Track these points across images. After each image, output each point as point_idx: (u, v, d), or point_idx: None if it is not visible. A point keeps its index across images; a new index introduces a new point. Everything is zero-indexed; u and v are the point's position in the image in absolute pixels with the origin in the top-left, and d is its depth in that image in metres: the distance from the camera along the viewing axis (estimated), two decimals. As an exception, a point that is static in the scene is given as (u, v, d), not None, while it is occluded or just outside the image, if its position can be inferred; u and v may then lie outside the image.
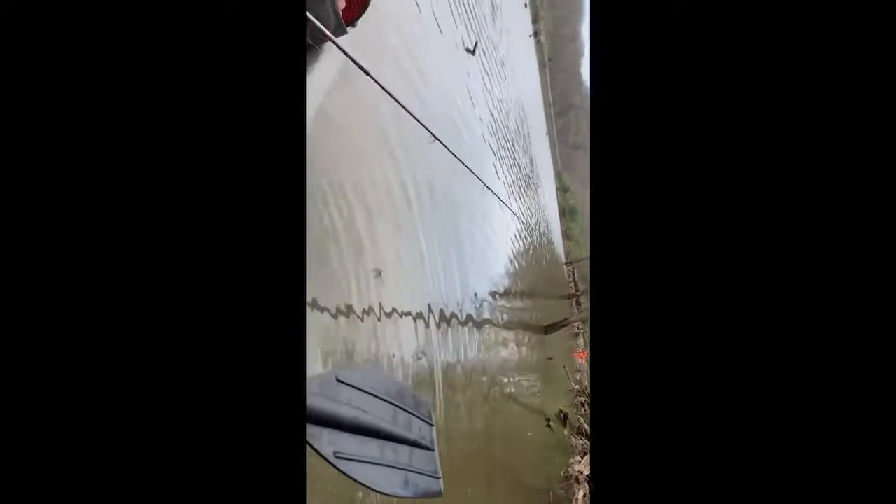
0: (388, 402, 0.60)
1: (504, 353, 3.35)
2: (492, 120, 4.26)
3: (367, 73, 0.76)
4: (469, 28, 4.08)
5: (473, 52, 4.10)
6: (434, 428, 0.72)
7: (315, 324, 1.41)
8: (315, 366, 1.37)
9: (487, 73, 4.46)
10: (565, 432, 5.67)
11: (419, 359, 2.01)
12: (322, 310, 1.44)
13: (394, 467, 0.56)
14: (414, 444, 0.64)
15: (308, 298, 1.40)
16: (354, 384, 0.54)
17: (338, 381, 0.52)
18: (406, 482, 0.58)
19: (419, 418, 0.68)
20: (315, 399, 0.46)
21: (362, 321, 1.64)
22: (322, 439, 0.47)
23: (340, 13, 0.68)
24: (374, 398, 0.57)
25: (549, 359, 5.87)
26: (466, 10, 4.02)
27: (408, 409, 0.65)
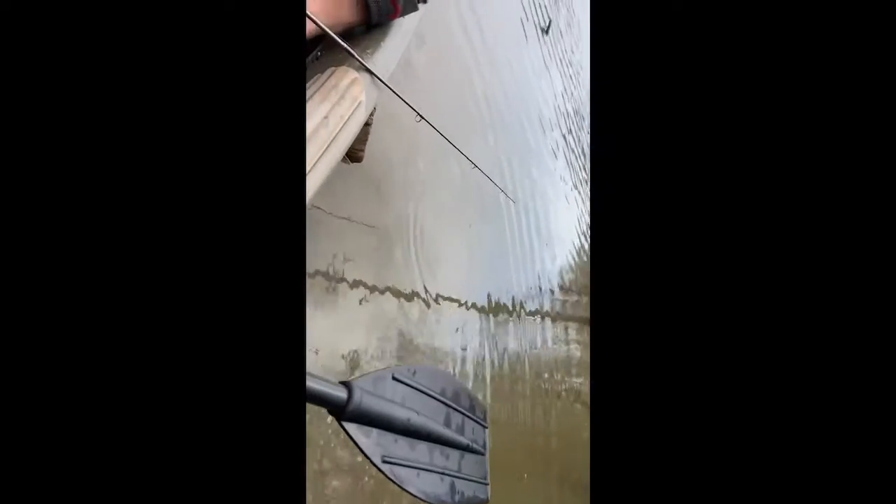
0: (443, 403, 0.57)
1: (564, 347, 3.26)
2: (562, 111, 4.08)
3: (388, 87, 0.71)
4: (543, 8, 3.90)
5: (547, 32, 3.92)
6: (488, 430, 0.69)
7: (374, 309, 1.43)
8: (371, 350, 1.40)
9: (560, 60, 4.26)
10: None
11: (479, 348, 2.00)
12: (382, 293, 1.46)
13: (442, 473, 0.54)
14: (466, 447, 0.61)
15: (370, 284, 1.43)
16: (410, 383, 0.51)
17: (394, 378, 0.50)
18: (452, 489, 0.55)
19: (473, 420, 0.65)
20: (368, 398, 0.44)
21: (422, 307, 1.64)
22: (371, 441, 0.45)
23: (413, -12, 0.64)
24: (429, 398, 0.55)
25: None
26: None
27: (463, 410, 0.62)
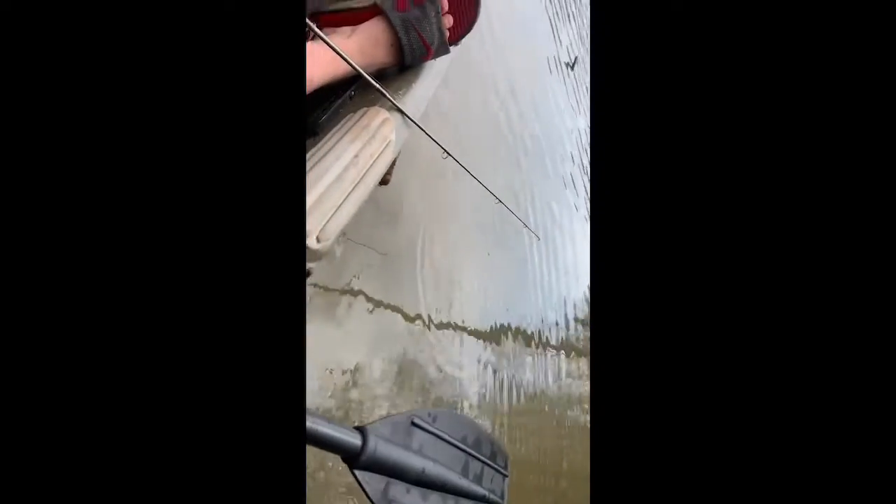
0: (463, 451, 0.55)
1: (580, 382, 3.16)
2: (583, 146, 4.09)
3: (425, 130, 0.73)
4: (571, 43, 3.96)
5: (573, 68, 3.96)
6: (508, 479, 0.66)
7: (389, 330, 1.42)
8: (381, 369, 1.38)
9: (577, 101, 4.29)
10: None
11: (492, 376, 1.95)
12: (395, 312, 1.45)
13: (457, 526, 0.51)
14: (482, 498, 0.59)
15: (389, 303, 1.42)
16: (430, 429, 0.50)
17: (413, 423, 0.48)
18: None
19: (494, 468, 0.62)
20: (383, 446, 0.42)
21: (437, 331, 1.62)
22: (380, 489, 0.43)
23: (447, 32, 0.65)
24: (448, 445, 0.52)
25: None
26: (570, 25, 3.89)
27: (483, 458, 0.59)
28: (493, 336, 2.04)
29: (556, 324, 2.80)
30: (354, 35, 0.62)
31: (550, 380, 2.58)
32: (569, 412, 2.73)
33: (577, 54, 4.11)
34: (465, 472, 0.55)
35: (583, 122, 4.10)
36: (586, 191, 4.04)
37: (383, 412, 1.30)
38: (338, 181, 0.50)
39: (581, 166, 3.97)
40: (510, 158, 2.52)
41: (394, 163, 1.28)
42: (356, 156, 0.52)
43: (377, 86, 0.59)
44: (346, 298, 1.32)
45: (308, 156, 0.50)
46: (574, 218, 3.50)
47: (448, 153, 0.80)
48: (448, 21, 0.67)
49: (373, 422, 0.44)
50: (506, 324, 2.19)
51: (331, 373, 1.24)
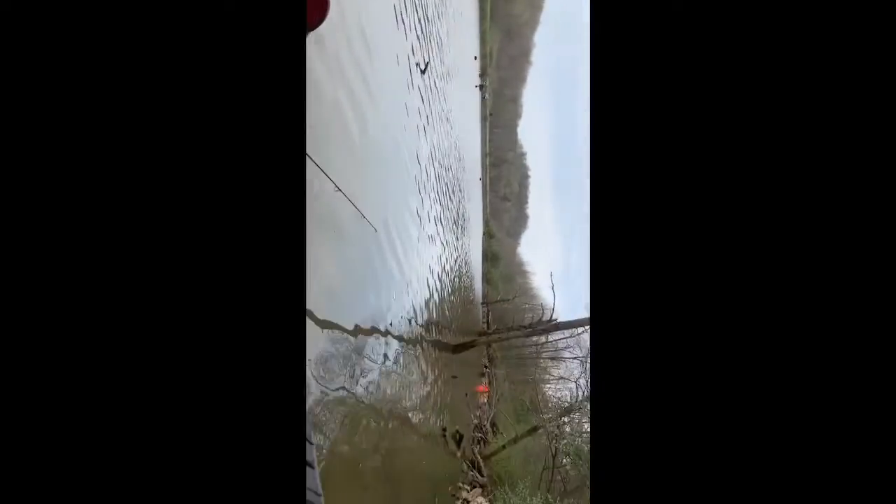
0: None
1: (413, 367, 3.31)
2: (428, 153, 4.22)
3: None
4: (422, 49, 3.97)
5: (424, 72, 3.97)
6: (315, 447, 0.69)
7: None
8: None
9: (430, 109, 4.36)
10: (458, 454, 5.87)
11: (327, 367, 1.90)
12: None
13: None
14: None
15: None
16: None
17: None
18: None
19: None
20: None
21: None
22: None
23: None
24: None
25: (454, 377, 6.09)
26: (419, 30, 3.91)
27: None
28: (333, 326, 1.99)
29: (393, 318, 2.81)
30: None
31: (387, 365, 2.63)
32: (401, 397, 2.72)
33: (428, 59, 4.09)
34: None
35: (427, 134, 4.17)
36: (430, 202, 4.16)
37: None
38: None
39: (431, 175, 4.06)
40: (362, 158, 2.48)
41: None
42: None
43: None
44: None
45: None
46: (415, 223, 3.58)
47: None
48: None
49: None
50: (346, 317, 2.14)
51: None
